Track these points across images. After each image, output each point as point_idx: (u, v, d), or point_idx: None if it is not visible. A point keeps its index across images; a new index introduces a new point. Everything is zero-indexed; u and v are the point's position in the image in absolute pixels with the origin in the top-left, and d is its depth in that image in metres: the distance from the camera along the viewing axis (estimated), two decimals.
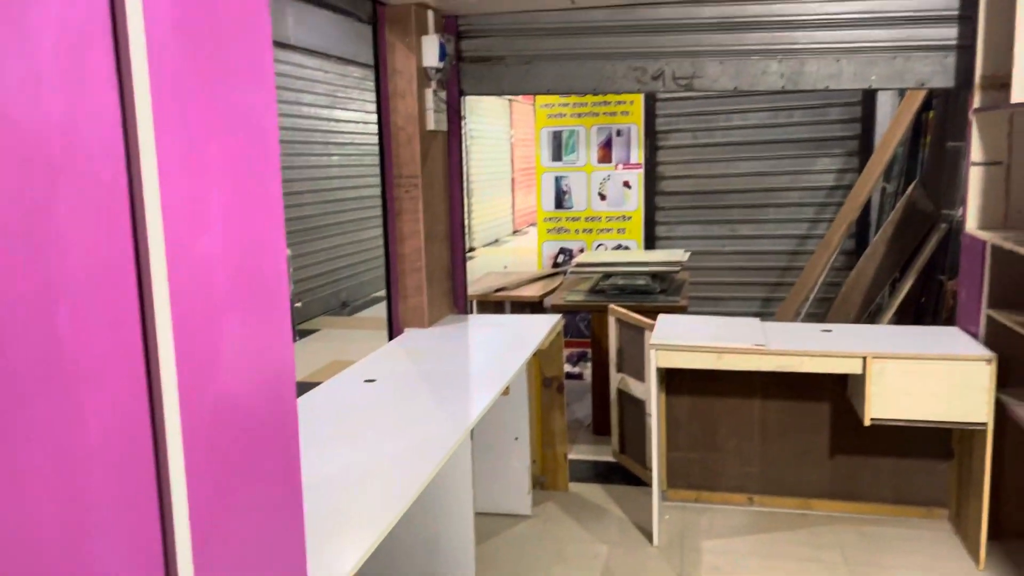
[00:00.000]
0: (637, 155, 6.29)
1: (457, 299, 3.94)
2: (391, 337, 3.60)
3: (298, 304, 8.06)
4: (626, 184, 6.34)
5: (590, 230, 6.49)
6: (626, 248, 6.41)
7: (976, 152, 3.17)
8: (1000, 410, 3.04)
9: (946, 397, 3.02)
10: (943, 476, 3.48)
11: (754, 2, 3.52)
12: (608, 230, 6.45)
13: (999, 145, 3.14)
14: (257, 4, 1.24)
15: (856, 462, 3.56)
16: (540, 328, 3.57)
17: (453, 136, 3.82)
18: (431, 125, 3.51)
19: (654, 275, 4.69)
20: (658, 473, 3.39)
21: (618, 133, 6.30)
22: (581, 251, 6.50)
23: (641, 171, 6.30)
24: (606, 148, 6.34)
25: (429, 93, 3.49)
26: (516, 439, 3.58)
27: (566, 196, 6.48)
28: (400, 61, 3.43)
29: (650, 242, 6.44)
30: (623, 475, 4.05)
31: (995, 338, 3.13)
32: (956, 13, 3.34)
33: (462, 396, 2.70)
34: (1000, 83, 3.07)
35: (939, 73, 3.41)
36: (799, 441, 3.62)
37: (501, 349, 3.27)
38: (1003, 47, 3.02)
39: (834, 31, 3.48)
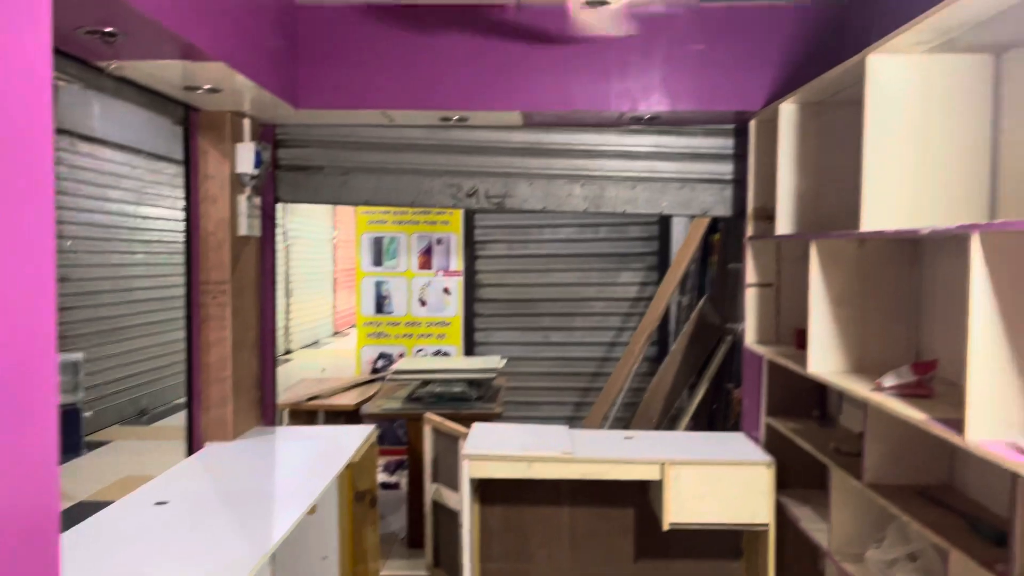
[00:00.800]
0: (457, 263, 6.46)
1: (265, 410, 3.78)
2: (190, 451, 3.37)
3: (88, 413, 7.36)
4: (446, 290, 6.47)
5: (410, 335, 6.51)
6: (445, 354, 6.47)
7: (751, 275, 3.56)
8: (780, 511, 3.31)
9: (734, 500, 3.25)
10: (736, 575, 3.69)
11: (560, 132, 3.81)
12: (428, 335, 6.50)
13: (770, 269, 3.54)
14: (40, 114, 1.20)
15: (658, 565, 3.71)
16: (353, 440, 3.49)
17: (267, 242, 3.76)
18: (243, 231, 3.45)
19: (471, 382, 4.76)
20: None
21: (438, 241, 6.46)
22: (401, 356, 6.49)
23: (461, 278, 6.46)
24: (427, 255, 6.47)
25: (242, 199, 3.44)
26: (324, 559, 3.42)
27: (386, 301, 6.49)
28: (213, 166, 3.37)
29: (469, 347, 6.56)
30: None
31: (774, 443, 3.43)
32: (732, 152, 3.79)
33: (264, 517, 2.56)
34: (767, 215, 3.49)
35: (719, 203, 3.83)
36: (607, 547, 3.72)
37: (310, 463, 3.16)
38: (769, 184, 3.45)
39: (631, 161, 3.83)
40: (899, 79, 2.25)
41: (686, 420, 4.84)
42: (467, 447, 3.39)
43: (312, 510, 2.80)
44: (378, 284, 6.50)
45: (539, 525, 3.73)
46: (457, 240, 6.44)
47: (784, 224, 3.16)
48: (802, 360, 2.76)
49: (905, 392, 2.22)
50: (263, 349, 3.75)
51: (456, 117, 3.63)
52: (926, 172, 2.27)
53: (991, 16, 1.96)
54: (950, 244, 2.49)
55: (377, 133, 3.81)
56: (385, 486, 5.65)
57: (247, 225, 3.46)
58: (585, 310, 6.53)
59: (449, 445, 3.87)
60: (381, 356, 6.52)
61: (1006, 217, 2.22)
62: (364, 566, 3.73)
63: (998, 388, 1.69)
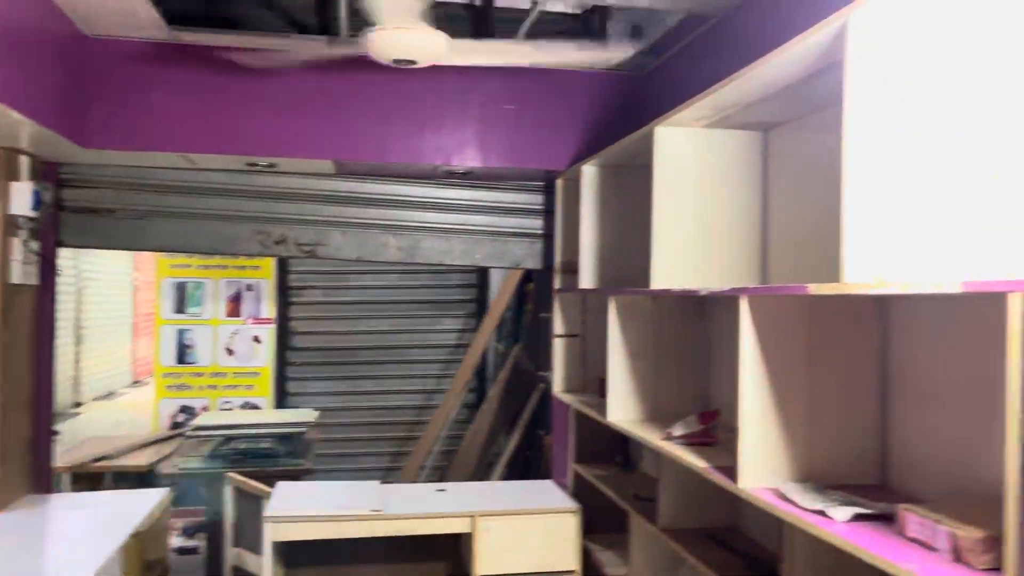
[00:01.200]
0: (268, 310, 6.20)
1: (39, 476, 3.40)
2: None
3: None
4: (256, 339, 6.18)
5: (215, 386, 6.14)
6: (255, 406, 6.16)
7: (558, 325, 3.68)
8: (587, 556, 3.40)
9: (542, 548, 3.30)
10: None
11: (374, 182, 3.79)
12: (235, 386, 6.16)
13: (576, 320, 3.69)
14: None
15: None
16: (141, 505, 3.21)
17: (46, 290, 3.42)
18: (16, 278, 3.12)
19: (280, 437, 4.55)
20: None
21: (248, 288, 6.18)
22: (205, 409, 6.10)
23: (272, 326, 6.20)
24: (235, 302, 6.16)
25: (17, 243, 3.11)
26: None
27: (189, 350, 6.10)
28: None
29: (281, 399, 6.28)
30: None
31: (581, 489, 3.53)
32: (541, 207, 3.94)
33: None
34: (573, 269, 3.64)
35: (530, 256, 3.95)
36: None
37: (89, 535, 2.86)
38: (575, 239, 3.61)
39: (445, 213, 3.88)
40: (682, 150, 2.45)
41: (501, 468, 4.89)
42: (270, 508, 3.22)
43: None
44: (180, 332, 6.09)
45: None
46: (269, 286, 6.19)
47: (587, 278, 3.30)
48: (603, 409, 2.88)
49: (692, 440, 2.37)
50: (38, 408, 3.38)
51: (264, 163, 3.52)
52: (707, 236, 2.46)
53: (758, 98, 2.18)
54: (731, 301, 2.71)
55: (177, 176, 3.60)
56: (183, 551, 5.23)
57: (21, 272, 3.13)
58: (404, 358, 6.46)
59: (252, 506, 3.66)
60: (183, 410, 6.08)
61: (775, 281, 2.45)
62: None
63: (766, 438, 1.84)
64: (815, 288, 1.58)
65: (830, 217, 1.61)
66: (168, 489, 3.46)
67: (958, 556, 1.31)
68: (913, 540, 1.43)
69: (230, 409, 6.09)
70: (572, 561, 3.33)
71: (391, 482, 4.49)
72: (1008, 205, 1.50)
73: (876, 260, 1.48)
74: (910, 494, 1.76)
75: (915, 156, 1.50)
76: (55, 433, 3.62)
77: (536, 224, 3.93)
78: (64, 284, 11.64)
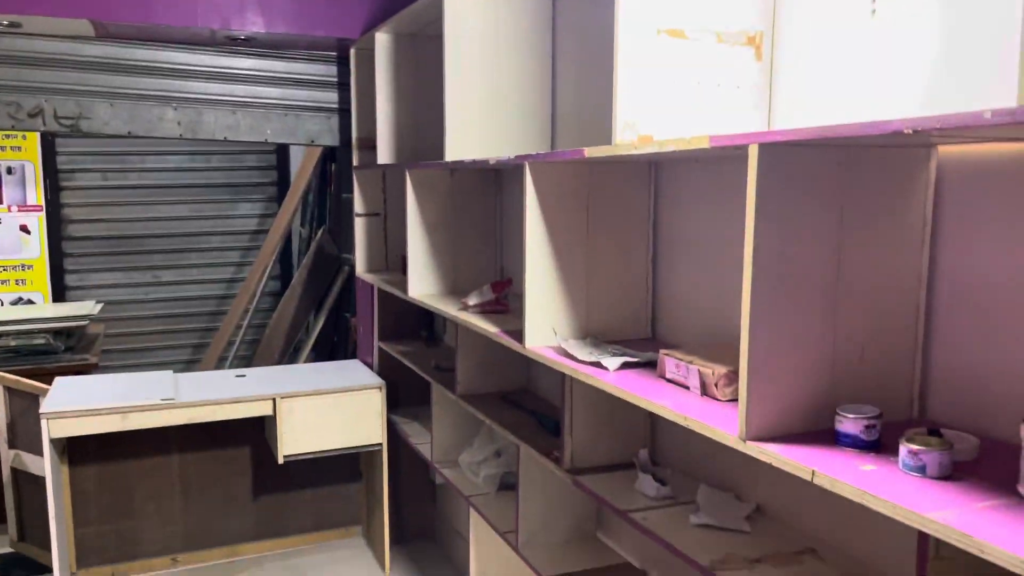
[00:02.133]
0: (36, 196, 5.57)
1: None
2: None
3: None
4: (24, 228, 5.56)
5: None
6: (29, 301, 5.61)
7: (358, 204, 3.59)
8: (393, 430, 3.47)
9: (348, 426, 3.33)
10: (356, 497, 3.82)
11: (145, 48, 3.42)
12: (4, 281, 5.56)
13: (376, 198, 3.61)
14: None
15: (279, 500, 3.68)
16: None
17: None
18: None
19: (56, 332, 4.18)
20: (60, 556, 3.00)
21: (8, 171, 5.49)
22: None
23: (42, 214, 5.60)
24: None
25: None
26: None
27: None
28: None
29: (59, 293, 5.75)
30: (27, 565, 3.49)
31: (386, 366, 3.57)
32: (335, 80, 3.75)
33: None
34: (371, 144, 3.53)
35: (326, 132, 3.78)
36: (223, 490, 3.59)
37: None
38: (372, 114, 3.48)
39: (230, 84, 3.59)
40: (472, 15, 2.38)
41: (306, 353, 4.82)
42: (46, 404, 2.98)
43: None
44: None
45: (144, 479, 3.46)
46: (35, 168, 5.53)
47: (385, 154, 3.22)
48: (405, 286, 2.88)
49: (486, 309, 2.44)
50: None
51: (6, 22, 3.05)
52: (498, 106, 2.45)
53: None
54: (521, 171, 2.75)
55: None
56: None
57: None
58: (200, 246, 6.09)
59: (29, 405, 3.38)
60: None
61: (561, 147, 2.50)
62: None
63: (548, 300, 1.92)
64: (590, 152, 1.63)
65: (611, 83, 1.64)
66: None
67: (705, 390, 1.45)
68: (670, 381, 1.57)
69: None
70: (377, 435, 3.39)
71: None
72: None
73: (643, 122, 1.53)
74: (675, 345, 1.92)
75: (676, 19, 1.55)
76: None
77: (331, 97, 3.74)
78: None
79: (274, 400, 3.21)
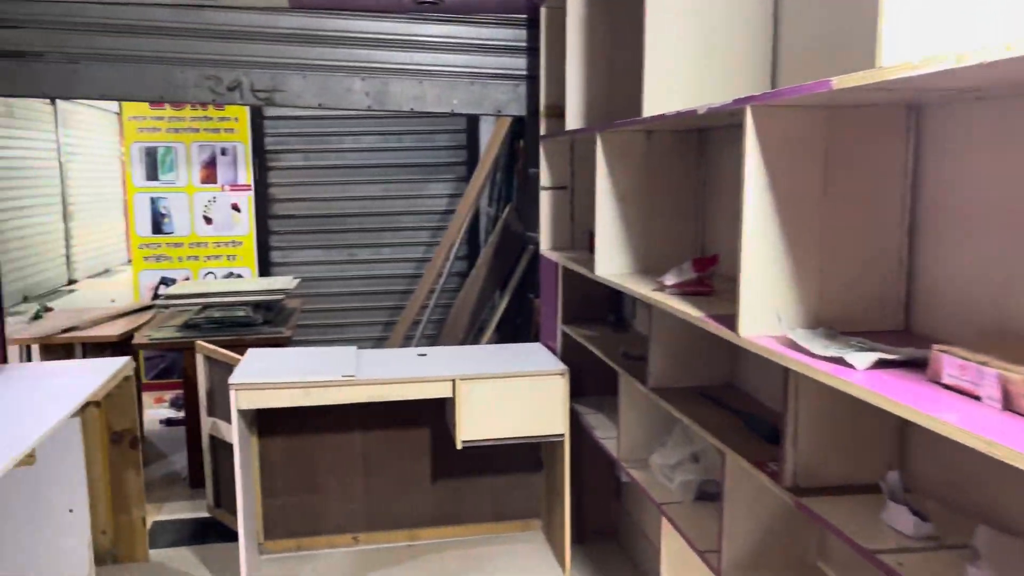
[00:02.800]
0: (246, 176, 5.86)
1: None
2: None
3: None
4: (235, 207, 5.87)
5: (196, 257, 5.89)
6: (238, 276, 5.92)
7: (544, 177, 3.35)
8: (576, 420, 3.21)
9: (528, 412, 3.11)
10: (536, 488, 3.61)
11: (336, 17, 3.37)
12: (217, 257, 5.91)
13: (563, 171, 3.35)
14: None
15: (458, 485, 3.55)
16: (97, 375, 3.00)
17: None
18: None
19: (256, 305, 4.32)
20: (246, 525, 3.02)
21: (223, 152, 5.81)
22: (187, 280, 5.87)
23: (251, 193, 5.87)
24: (210, 167, 5.80)
25: None
26: (71, 511, 2.96)
27: (165, 220, 5.80)
28: None
29: (265, 268, 6.03)
30: (220, 532, 3.60)
31: (570, 351, 3.31)
32: (524, 45, 3.52)
33: None
34: (559, 112, 3.27)
35: (513, 101, 3.56)
36: (402, 471, 3.51)
37: (37, 405, 2.65)
38: (562, 79, 3.22)
39: (417, 53, 3.47)
40: None
41: (488, 334, 4.68)
42: (235, 376, 3.01)
43: (30, 459, 2.33)
44: (154, 201, 5.77)
45: (328, 454, 3.44)
46: (245, 150, 5.81)
47: (574, 120, 2.94)
48: (592, 264, 2.60)
49: (686, 290, 2.09)
50: None
51: None
52: (708, 51, 2.09)
53: None
54: (734, 134, 2.36)
55: (113, 13, 3.19)
56: (171, 422, 5.14)
57: None
58: (393, 224, 6.17)
59: (225, 375, 3.46)
60: (163, 281, 5.86)
61: None
62: (127, 515, 3.30)
63: (771, 277, 1.55)
64: (840, 82, 1.24)
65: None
66: (129, 358, 3.25)
67: (1009, 403, 1.04)
68: (948, 388, 1.17)
69: (213, 280, 5.86)
70: (560, 425, 3.14)
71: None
72: None
73: (922, 36, 1.13)
74: (940, 339, 1.49)
75: None
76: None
77: (519, 64, 3.52)
78: (44, 160, 11.27)
79: (453, 382, 3.05)
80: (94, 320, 4.42)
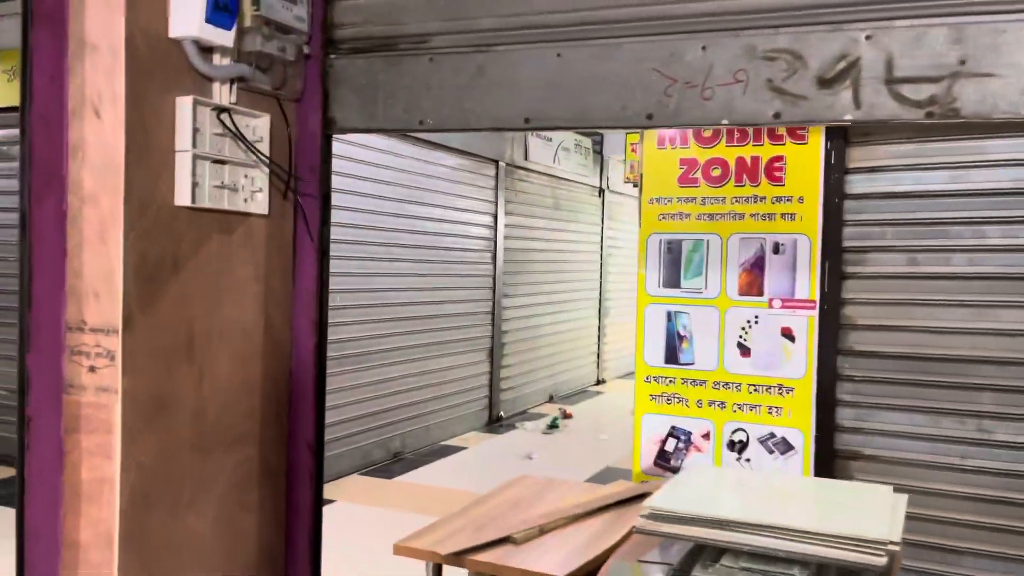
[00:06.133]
0: (808, 287, 3.73)
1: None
2: None
3: None
4: (786, 333, 3.77)
5: (722, 404, 3.94)
6: (784, 442, 3.78)
7: None
8: None
9: None
10: None
11: None
12: (754, 407, 3.87)
13: None
14: None
15: None
16: None
17: (298, 221, 1.55)
18: (200, 199, 1.27)
19: (820, 567, 2.06)
20: None
21: (776, 249, 3.79)
22: (705, 438, 3.95)
23: (814, 313, 3.72)
24: (754, 272, 3.84)
25: (205, 115, 1.27)
26: None
27: (684, 344, 4.00)
28: (98, 22, 1.25)
29: (826, 433, 3.76)
30: None
31: None
32: None
33: None
34: None
35: None
36: None
37: None
38: None
39: None
40: None
41: None
42: None
43: None
44: (671, 316, 4.01)
45: None
46: (811, 247, 3.70)
47: None
48: None
49: None
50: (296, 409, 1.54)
51: None
52: None
53: None
54: None
55: None
56: None
57: (206, 190, 1.27)
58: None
59: None
60: (672, 433, 4.02)
61: None
62: None
63: None
64: None
65: None
66: None
67: None
68: None
69: (743, 446, 3.83)
70: None
71: None
72: None
73: None
74: None
75: None
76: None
77: None
78: (589, 252, 10.90)
79: None
80: (527, 534, 2.65)
